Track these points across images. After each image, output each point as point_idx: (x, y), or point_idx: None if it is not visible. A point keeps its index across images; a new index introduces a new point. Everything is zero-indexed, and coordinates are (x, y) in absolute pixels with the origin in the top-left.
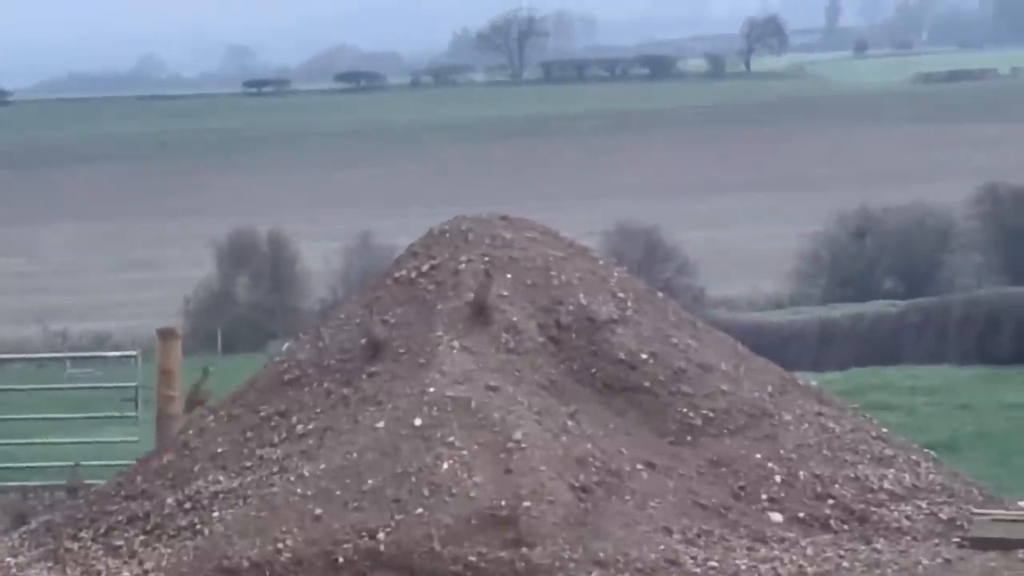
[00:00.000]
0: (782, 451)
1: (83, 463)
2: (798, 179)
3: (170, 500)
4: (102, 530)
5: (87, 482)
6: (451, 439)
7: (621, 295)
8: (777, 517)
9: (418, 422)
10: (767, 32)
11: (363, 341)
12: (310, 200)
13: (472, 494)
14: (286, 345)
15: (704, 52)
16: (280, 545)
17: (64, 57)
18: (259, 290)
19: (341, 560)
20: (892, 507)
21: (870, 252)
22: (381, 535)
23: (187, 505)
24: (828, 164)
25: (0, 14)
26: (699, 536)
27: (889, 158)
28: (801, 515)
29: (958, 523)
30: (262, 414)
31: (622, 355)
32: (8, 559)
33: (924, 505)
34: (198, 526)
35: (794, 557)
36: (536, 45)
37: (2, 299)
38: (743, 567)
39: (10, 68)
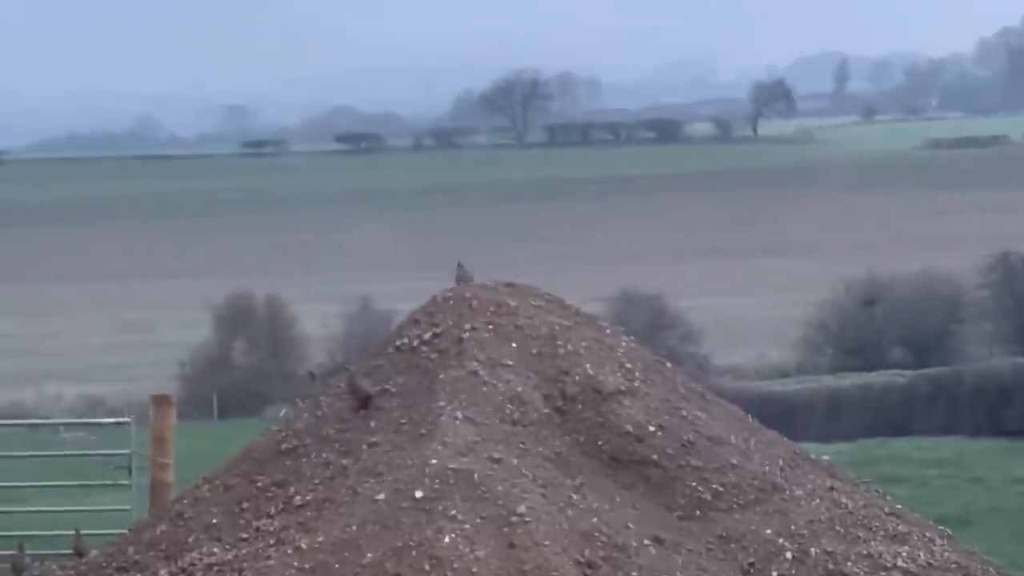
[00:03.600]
0: (793, 527)
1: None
2: (805, 246)
3: (163, 572)
4: None
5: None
6: (453, 512)
7: (628, 365)
8: None
9: (419, 494)
10: (775, 96)
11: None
12: (308, 263)
13: (474, 569)
14: (283, 412)
15: (711, 116)
16: None
17: (60, 117)
18: (256, 354)
19: None
20: None
21: (878, 320)
22: None
23: None
24: (836, 230)
25: None
26: None
27: (898, 225)
28: None
29: None
30: (259, 484)
31: (629, 427)
32: None
33: None
34: None
35: None
36: (540, 107)
37: None
38: None
39: (5, 127)
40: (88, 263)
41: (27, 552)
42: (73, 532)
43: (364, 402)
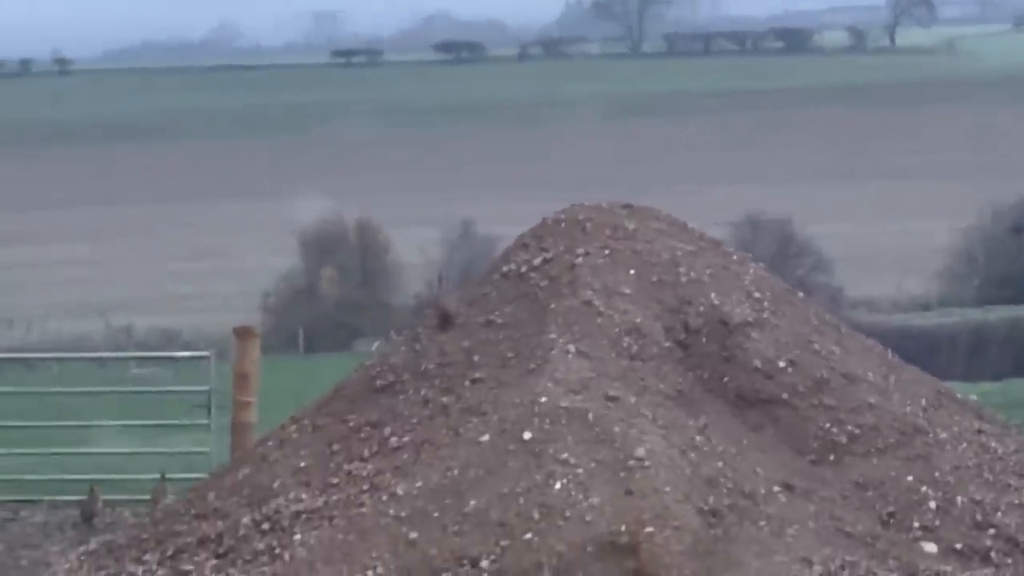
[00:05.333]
0: (937, 473)
1: (147, 476)
2: (949, 167)
3: (246, 520)
4: (169, 553)
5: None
6: (564, 455)
7: (757, 295)
8: (931, 548)
9: (527, 436)
10: (914, 2)
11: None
12: (404, 183)
13: (588, 518)
14: (377, 345)
15: (845, 24)
16: (369, 573)
17: (133, 24)
18: (346, 284)
19: None
20: None
21: None
22: (484, 563)
23: (265, 526)
24: (983, 151)
25: None
26: (843, 568)
27: None
28: (958, 546)
29: None
30: (351, 424)
31: (758, 362)
32: None
33: None
34: (277, 550)
35: None
36: (657, 15)
37: (61, 290)
38: None
39: (74, 35)
40: (162, 183)
41: (98, 497)
42: (147, 476)
43: (445, 321)
